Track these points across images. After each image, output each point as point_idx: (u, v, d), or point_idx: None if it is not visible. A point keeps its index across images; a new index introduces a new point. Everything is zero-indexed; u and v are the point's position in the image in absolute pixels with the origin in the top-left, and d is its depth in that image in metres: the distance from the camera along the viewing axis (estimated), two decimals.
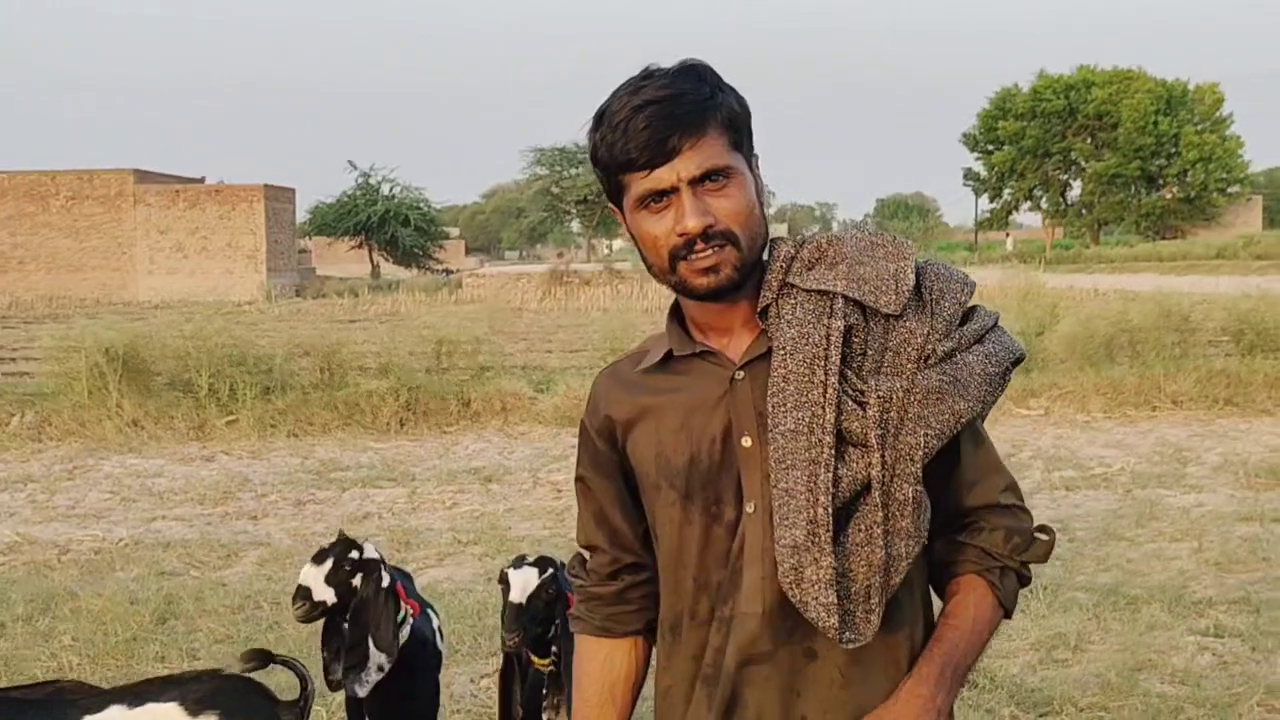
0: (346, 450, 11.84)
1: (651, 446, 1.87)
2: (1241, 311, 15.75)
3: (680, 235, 1.73)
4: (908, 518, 1.70)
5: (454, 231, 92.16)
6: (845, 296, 1.73)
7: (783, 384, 1.71)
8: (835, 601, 1.67)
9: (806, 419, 1.68)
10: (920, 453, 1.70)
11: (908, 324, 1.74)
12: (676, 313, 1.92)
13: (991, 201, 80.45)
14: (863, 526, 1.70)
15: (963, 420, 1.74)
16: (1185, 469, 9.98)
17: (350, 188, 65.29)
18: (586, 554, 2.05)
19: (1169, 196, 74.83)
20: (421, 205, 66.51)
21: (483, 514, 9.00)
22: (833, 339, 1.70)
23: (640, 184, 1.75)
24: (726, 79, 1.82)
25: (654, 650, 2.00)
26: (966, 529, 1.84)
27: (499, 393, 13.58)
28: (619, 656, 2.02)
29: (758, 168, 1.83)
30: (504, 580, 3.77)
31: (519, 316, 28.56)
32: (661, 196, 1.74)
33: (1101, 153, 74.92)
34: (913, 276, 1.75)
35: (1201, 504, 8.78)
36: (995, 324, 1.82)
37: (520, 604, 3.70)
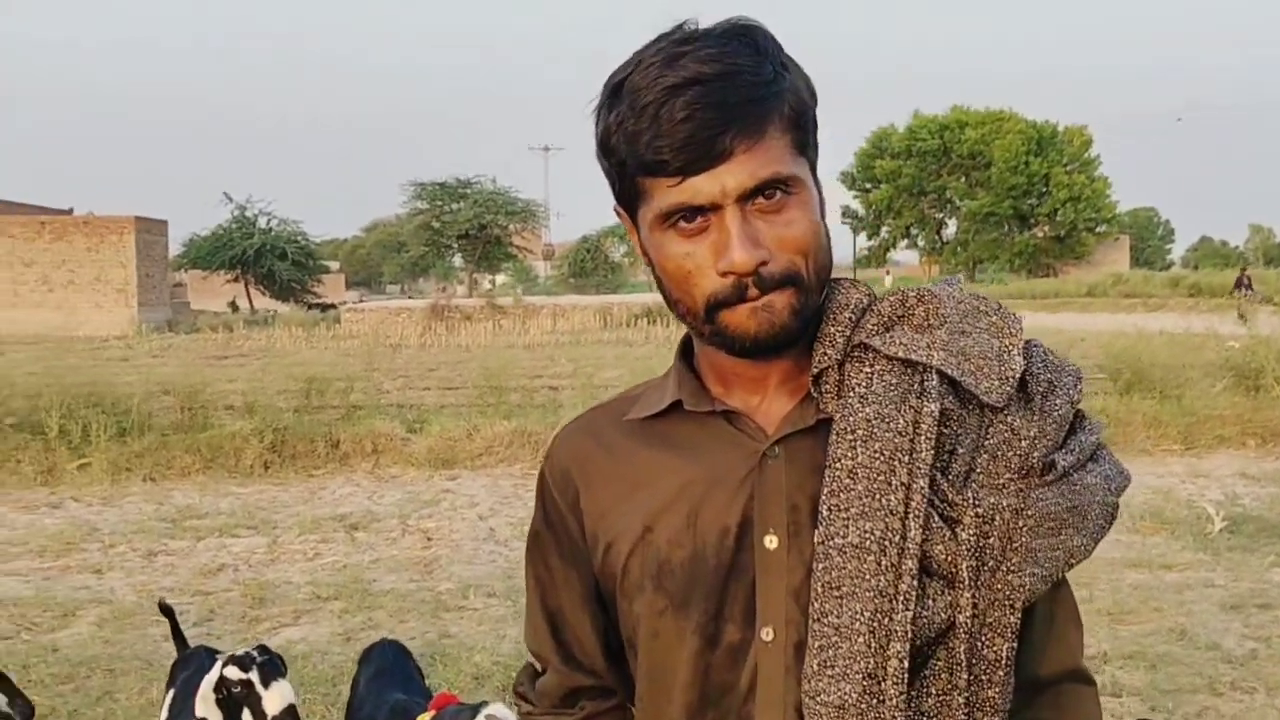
0: (206, 495, 11.20)
1: (635, 532, 1.36)
2: (1117, 350, 15.80)
3: (724, 274, 1.24)
4: (996, 685, 1.26)
5: (334, 265, 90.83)
6: (941, 373, 1.27)
7: (848, 480, 1.24)
8: None
9: (878, 533, 1.22)
10: (1023, 598, 1.25)
11: (1010, 421, 1.27)
12: (688, 352, 1.42)
13: (870, 239, 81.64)
14: (935, 691, 1.25)
15: (1074, 561, 1.28)
16: None
17: (226, 220, 63.88)
18: (537, 665, 1.52)
19: (1041, 235, 76.62)
20: (299, 239, 65.28)
21: (346, 565, 8.47)
22: (923, 428, 1.24)
23: (669, 195, 1.24)
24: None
25: None
26: None
27: (370, 433, 12.98)
28: None
29: (818, 174, 1.33)
30: None
31: (397, 353, 27.87)
32: (697, 214, 1.25)
33: (975, 191, 76.44)
34: (1020, 360, 1.30)
35: None
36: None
37: None
